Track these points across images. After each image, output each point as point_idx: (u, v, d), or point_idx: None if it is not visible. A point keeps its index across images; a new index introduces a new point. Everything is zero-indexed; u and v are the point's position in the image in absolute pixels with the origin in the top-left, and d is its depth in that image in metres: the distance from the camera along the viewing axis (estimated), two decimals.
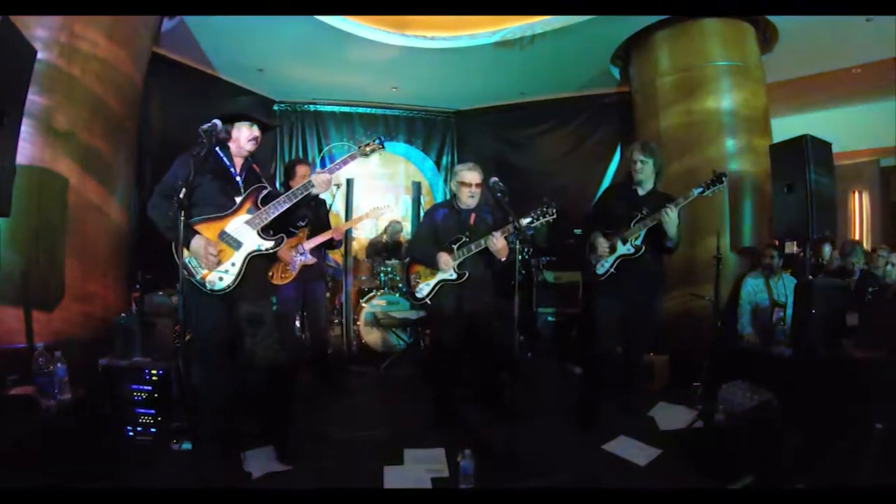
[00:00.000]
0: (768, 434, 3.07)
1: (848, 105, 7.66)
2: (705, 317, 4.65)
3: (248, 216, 2.86)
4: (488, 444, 3.29)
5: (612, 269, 3.73)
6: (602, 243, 3.72)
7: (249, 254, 2.84)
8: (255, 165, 3.04)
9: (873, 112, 7.44)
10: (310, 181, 2.90)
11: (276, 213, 2.87)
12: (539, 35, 5.59)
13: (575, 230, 5.83)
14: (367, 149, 3.10)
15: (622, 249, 3.70)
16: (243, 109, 2.98)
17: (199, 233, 2.77)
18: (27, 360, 2.91)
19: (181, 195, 2.36)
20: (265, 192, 2.93)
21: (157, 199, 2.80)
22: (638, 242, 3.66)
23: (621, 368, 4.01)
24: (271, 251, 2.91)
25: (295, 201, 2.89)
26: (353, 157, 3.09)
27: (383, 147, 3.15)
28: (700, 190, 3.57)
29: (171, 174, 2.83)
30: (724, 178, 3.55)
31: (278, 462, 3.11)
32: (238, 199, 2.88)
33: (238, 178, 2.92)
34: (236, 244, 2.82)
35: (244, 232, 2.84)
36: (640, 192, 3.81)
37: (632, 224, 3.66)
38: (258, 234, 2.85)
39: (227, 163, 2.92)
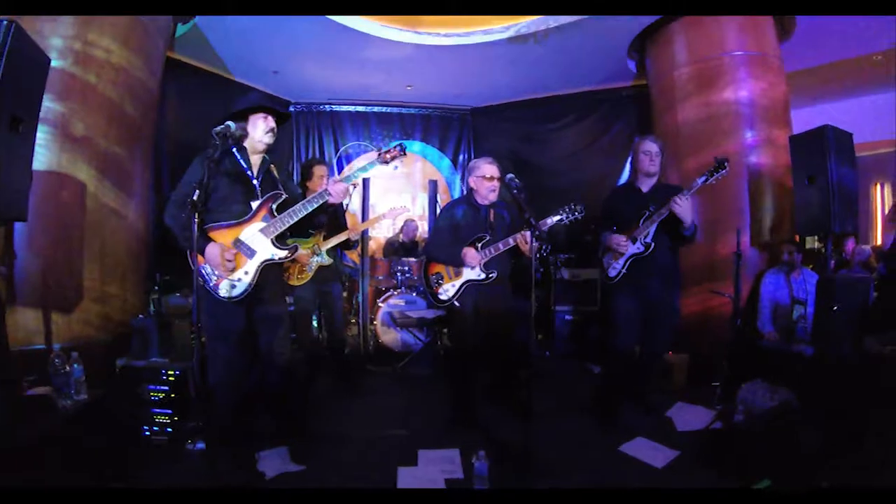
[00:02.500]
0: (788, 435, 3.01)
1: (869, 94, 7.44)
2: (725, 314, 4.57)
3: (262, 224, 2.87)
4: (504, 445, 3.27)
5: (623, 270, 3.68)
6: (619, 238, 3.64)
7: (263, 262, 2.85)
8: (272, 166, 3.04)
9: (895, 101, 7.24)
10: (326, 190, 2.91)
11: (291, 223, 2.88)
12: (553, 29, 5.53)
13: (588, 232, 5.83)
14: (388, 156, 3.09)
15: (632, 249, 3.63)
16: (255, 102, 2.94)
17: (213, 239, 2.79)
18: (46, 362, 2.96)
19: (195, 197, 2.36)
20: (281, 199, 2.93)
21: (173, 208, 2.81)
22: (648, 240, 3.60)
23: (640, 368, 3.96)
24: (284, 260, 2.92)
25: (309, 210, 2.90)
26: (371, 165, 3.11)
27: (405, 153, 3.13)
28: (703, 178, 3.50)
29: (184, 181, 2.85)
30: (725, 164, 3.47)
31: (292, 462, 3.12)
32: (254, 205, 2.88)
33: (255, 182, 2.93)
34: (250, 252, 2.83)
35: (258, 240, 2.85)
36: (644, 189, 3.76)
37: (640, 222, 3.60)
38: (272, 242, 2.87)
39: (244, 165, 2.92)
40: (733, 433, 3.38)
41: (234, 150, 2.91)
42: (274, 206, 2.90)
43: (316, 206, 2.89)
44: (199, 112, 5.88)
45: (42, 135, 3.28)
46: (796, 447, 2.92)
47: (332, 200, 2.92)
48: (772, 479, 2.74)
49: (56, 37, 3.70)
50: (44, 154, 3.57)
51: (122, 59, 4.04)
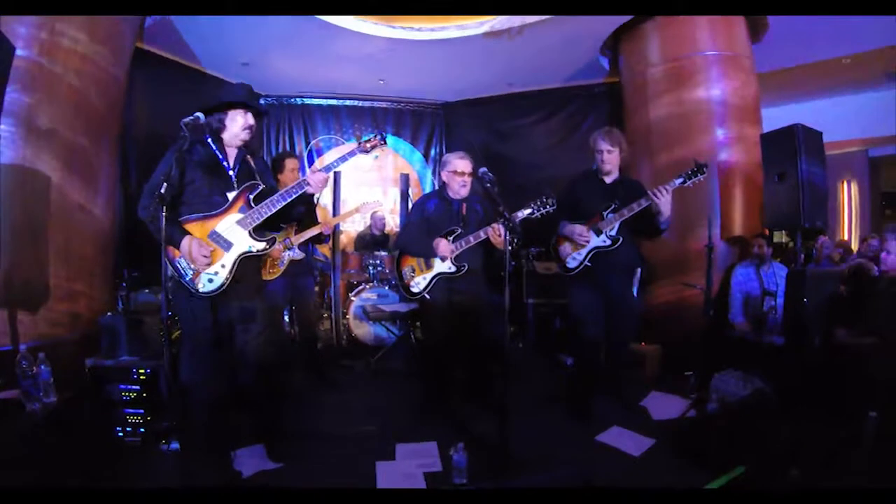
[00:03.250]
0: (761, 423, 3.08)
1: (837, 95, 7.69)
2: (697, 306, 4.66)
3: (239, 215, 2.79)
4: (481, 437, 3.28)
5: (585, 262, 3.67)
6: (580, 229, 3.63)
7: (240, 255, 2.78)
8: (248, 157, 2.97)
9: (862, 102, 7.48)
10: (304, 180, 2.84)
11: (269, 214, 2.81)
12: (528, 25, 5.54)
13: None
14: (368, 145, 3.01)
15: (597, 241, 3.63)
16: (238, 97, 2.87)
17: (188, 232, 2.72)
18: (13, 363, 2.86)
19: (162, 191, 2.30)
20: (258, 189, 2.86)
21: (146, 199, 2.72)
22: (613, 233, 3.62)
23: (608, 360, 3.98)
24: (262, 253, 2.85)
25: (288, 201, 2.82)
26: (352, 154, 3.01)
27: (385, 143, 3.07)
28: (681, 180, 3.50)
29: (156, 173, 2.76)
30: (704, 169, 3.50)
31: (269, 460, 3.08)
32: (230, 196, 2.81)
33: (231, 173, 2.86)
34: (227, 245, 2.76)
35: (235, 232, 2.78)
36: (608, 180, 3.75)
37: (606, 214, 3.60)
38: (249, 234, 2.79)
39: (220, 156, 2.85)
40: (707, 421, 3.45)
41: (210, 140, 2.84)
42: (251, 197, 2.83)
43: (295, 196, 2.82)
44: (167, 103, 5.72)
45: (6, 127, 3.17)
46: (769, 435, 2.98)
47: (310, 190, 2.85)
48: (745, 466, 2.80)
49: (21, 25, 3.57)
50: (7, 147, 3.45)
51: (89, 49, 3.92)
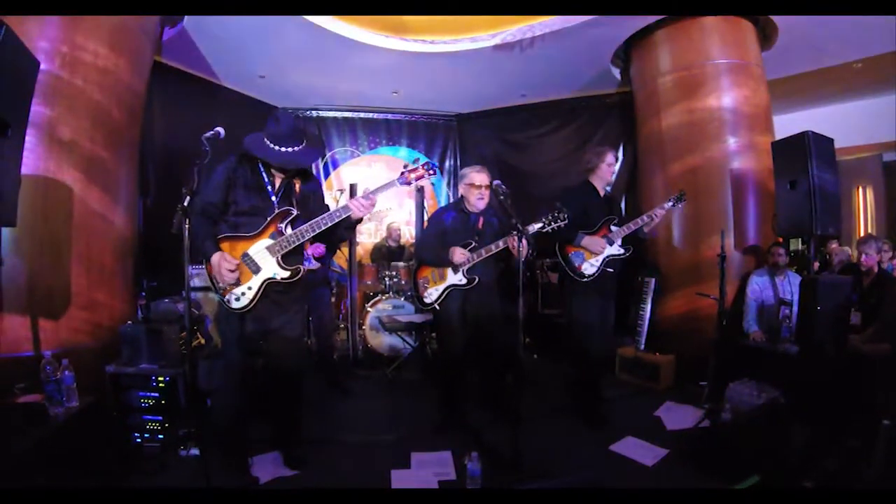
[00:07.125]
0: (775, 432, 3.06)
1: (850, 100, 7.63)
2: (710, 315, 4.64)
3: (269, 241, 2.85)
4: (495, 447, 3.29)
5: (601, 268, 3.83)
6: (600, 241, 3.81)
7: (265, 280, 2.85)
8: (295, 181, 3.02)
9: (875, 106, 7.40)
10: (346, 206, 2.84)
11: (299, 243, 2.86)
12: (539, 37, 5.58)
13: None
14: (413, 175, 2.89)
15: (612, 250, 3.86)
16: (286, 138, 2.86)
17: (220, 249, 2.80)
18: (35, 369, 2.93)
19: (185, 203, 2.38)
20: (290, 217, 2.90)
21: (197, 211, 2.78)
22: (619, 242, 3.88)
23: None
24: (287, 281, 2.88)
25: (318, 231, 2.84)
26: (391, 185, 2.94)
27: (435, 173, 2.95)
28: (671, 203, 3.95)
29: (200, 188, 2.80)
30: (684, 197, 4.02)
31: (286, 467, 3.13)
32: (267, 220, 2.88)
33: (273, 198, 2.92)
34: (256, 268, 2.84)
35: (264, 257, 2.84)
36: (602, 192, 4.02)
37: (611, 226, 3.88)
38: (277, 262, 2.85)
39: (266, 180, 2.93)
40: (721, 431, 3.43)
41: (260, 165, 2.93)
42: (283, 225, 2.87)
43: (327, 226, 2.83)
44: (185, 116, 5.87)
45: (29, 138, 3.24)
46: (783, 444, 2.97)
47: (355, 215, 2.85)
48: (759, 476, 2.79)
49: (43, 39, 3.66)
50: (30, 158, 3.51)
51: (110, 62, 4.00)
